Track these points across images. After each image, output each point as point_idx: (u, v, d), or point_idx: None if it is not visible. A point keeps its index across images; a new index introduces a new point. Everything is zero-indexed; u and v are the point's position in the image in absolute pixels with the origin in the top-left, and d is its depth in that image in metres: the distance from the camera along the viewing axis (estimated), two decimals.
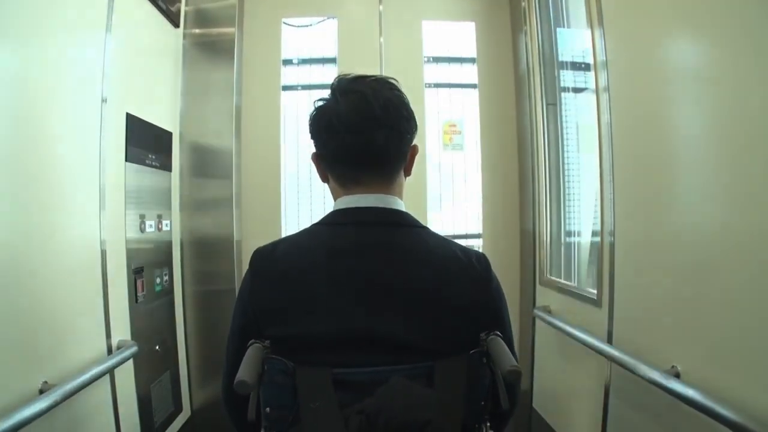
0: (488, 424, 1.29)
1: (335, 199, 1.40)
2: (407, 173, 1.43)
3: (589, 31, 2.43)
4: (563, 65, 3.18)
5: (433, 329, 1.24)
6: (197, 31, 3.31)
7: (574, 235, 3.13)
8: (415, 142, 1.41)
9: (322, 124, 1.34)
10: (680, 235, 1.83)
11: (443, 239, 1.37)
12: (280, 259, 1.32)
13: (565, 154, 3.17)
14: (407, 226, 1.35)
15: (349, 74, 1.38)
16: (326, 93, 1.37)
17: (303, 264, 1.30)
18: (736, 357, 1.56)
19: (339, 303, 1.24)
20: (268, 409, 1.24)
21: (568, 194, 3.16)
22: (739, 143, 1.55)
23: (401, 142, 1.35)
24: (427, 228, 1.38)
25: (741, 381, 1.53)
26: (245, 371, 1.13)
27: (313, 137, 1.38)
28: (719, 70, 1.64)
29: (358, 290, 1.25)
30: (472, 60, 3.70)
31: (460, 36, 3.74)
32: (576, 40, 3.01)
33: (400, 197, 1.39)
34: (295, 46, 3.70)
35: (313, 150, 1.41)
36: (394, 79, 1.39)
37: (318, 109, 1.36)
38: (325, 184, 1.46)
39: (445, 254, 1.32)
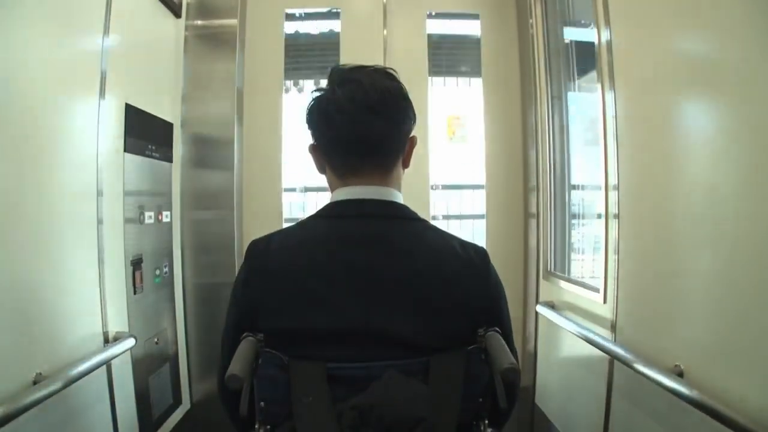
0: (486, 421, 1.27)
1: (332, 191, 1.38)
2: (405, 165, 1.42)
3: (595, 25, 2.40)
4: (569, 58, 3.15)
5: (429, 324, 1.22)
6: (199, 22, 3.28)
7: (580, 230, 3.11)
8: (416, 133, 1.40)
9: (319, 114, 1.33)
10: (686, 233, 1.80)
11: (442, 232, 1.35)
12: (275, 252, 1.31)
13: (571, 147, 3.15)
14: (405, 219, 1.33)
15: (346, 64, 1.36)
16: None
17: (298, 257, 1.28)
18: (740, 357, 1.53)
19: (334, 297, 1.22)
20: (262, 403, 1.24)
21: (574, 188, 3.14)
22: (747, 142, 1.52)
23: (399, 132, 1.33)
24: (426, 221, 1.37)
25: (745, 381, 1.50)
26: (236, 365, 1.12)
27: (310, 128, 1.37)
28: (733, 68, 1.60)
29: (354, 284, 1.23)
30: (477, 52, 3.67)
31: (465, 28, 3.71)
32: (582, 34, 2.97)
33: (398, 189, 1.37)
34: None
35: (311, 141, 1.39)
36: (392, 69, 1.37)
37: (315, 99, 1.34)
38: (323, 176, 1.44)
39: (444, 248, 1.30)
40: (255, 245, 1.34)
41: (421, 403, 1.03)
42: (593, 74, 2.48)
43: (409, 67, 3.34)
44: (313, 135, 1.37)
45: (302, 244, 1.31)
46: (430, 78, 3.64)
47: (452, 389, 1.16)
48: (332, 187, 1.38)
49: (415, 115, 1.37)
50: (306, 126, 1.38)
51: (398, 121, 1.31)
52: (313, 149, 1.39)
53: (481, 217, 3.64)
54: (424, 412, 1.01)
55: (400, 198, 1.36)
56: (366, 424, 1.03)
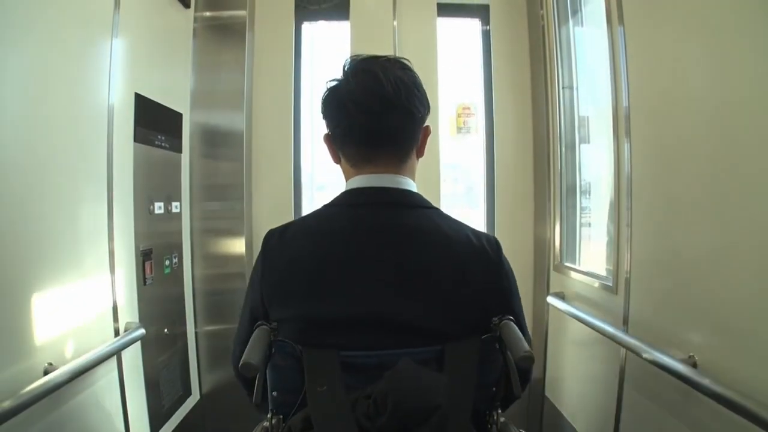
0: (500, 410, 1.27)
1: (347, 180, 1.39)
2: (419, 154, 1.42)
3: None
4: (579, 50, 3.14)
5: (443, 312, 1.22)
6: (208, 13, 3.28)
7: (591, 220, 3.10)
8: (427, 123, 1.39)
9: (333, 104, 1.34)
10: (699, 224, 1.79)
11: (455, 221, 1.35)
12: (290, 241, 1.32)
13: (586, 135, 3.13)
14: (418, 207, 1.33)
15: (360, 55, 1.36)
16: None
17: (313, 246, 1.29)
18: (757, 347, 1.52)
19: (347, 284, 1.23)
20: (275, 392, 1.24)
21: (584, 177, 3.13)
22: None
23: (413, 122, 1.34)
24: (439, 209, 1.37)
25: (762, 371, 1.48)
26: (251, 353, 1.12)
27: (324, 118, 1.38)
28: (746, 54, 1.58)
29: (368, 272, 1.23)
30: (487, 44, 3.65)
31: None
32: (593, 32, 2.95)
33: (412, 178, 1.38)
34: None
35: (325, 131, 1.39)
36: (407, 60, 1.37)
37: (330, 90, 1.35)
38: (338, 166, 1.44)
39: (457, 237, 1.30)
40: (270, 235, 1.35)
41: (437, 392, 1.02)
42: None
43: (419, 56, 3.32)
44: (328, 125, 1.38)
45: (316, 233, 1.31)
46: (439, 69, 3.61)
47: (467, 378, 1.15)
48: (347, 176, 1.38)
49: (429, 104, 1.37)
50: (321, 116, 1.39)
51: (412, 111, 1.31)
52: (328, 139, 1.40)
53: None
54: (440, 400, 1.00)
55: (413, 187, 1.36)
56: (380, 412, 1.02)
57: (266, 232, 1.36)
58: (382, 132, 1.30)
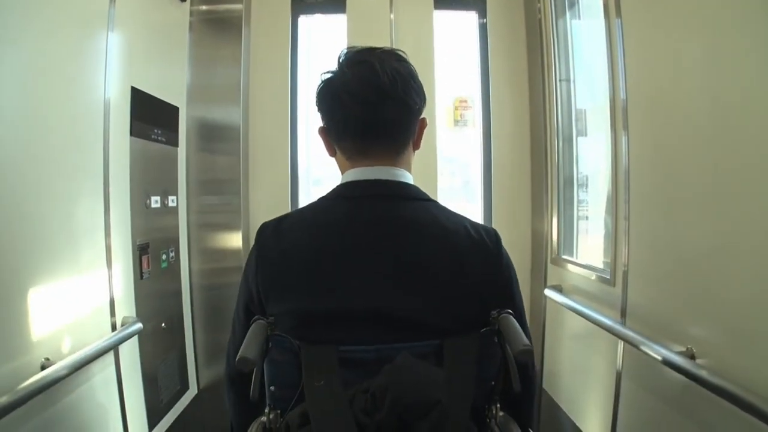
0: (498, 405, 1.26)
1: (342, 173, 1.37)
2: (416, 147, 1.40)
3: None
4: (576, 42, 3.13)
5: (441, 305, 1.21)
6: (204, 7, 3.26)
7: (588, 213, 3.09)
8: (424, 116, 1.38)
9: (328, 96, 1.31)
10: (697, 212, 1.78)
11: (453, 213, 1.34)
12: (284, 235, 1.30)
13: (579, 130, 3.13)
14: (415, 199, 1.32)
15: (356, 46, 1.34)
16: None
17: (308, 239, 1.27)
18: (755, 338, 1.52)
19: (344, 277, 1.21)
20: (272, 387, 1.23)
21: (581, 170, 3.12)
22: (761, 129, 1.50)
23: (409, 113, 1.32)
24: (436, 201, 1.35)
25: (761, 363, 1.48)
26: (247, 348, 1.10)
27: (319, 110, 1.36)
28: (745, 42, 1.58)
29: (365, 264, 1.22)
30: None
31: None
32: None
33: (409, 170, 1.36)
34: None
35: (320, 124, 1.38)
36: (402, 51, 1.35)
37: (325, 82, 1.33)
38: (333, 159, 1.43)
39: (456, 229, 1.29)
40: (264, 228, 1.33)
41: (436, 387, 1.01)
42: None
43: (416, 49, 3.32)
44: (323, 118, 1.36)
45: (311, 226, 1.29)
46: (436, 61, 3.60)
47: (466, 373, 1.14)
48: (342, 170, 1.36)
49: (425, 96, 1.35)
50: (316, 109, 1.37)
51: (409, 103, 1.29)
52: (323, 132, 1.38)
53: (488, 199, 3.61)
54: (440, 395, 1.00)
55: (410, 179, 1.34)
56: (378, 407, 1.01)
57: (260, 225, 1.34)
58: (378, 124, 1.28)
